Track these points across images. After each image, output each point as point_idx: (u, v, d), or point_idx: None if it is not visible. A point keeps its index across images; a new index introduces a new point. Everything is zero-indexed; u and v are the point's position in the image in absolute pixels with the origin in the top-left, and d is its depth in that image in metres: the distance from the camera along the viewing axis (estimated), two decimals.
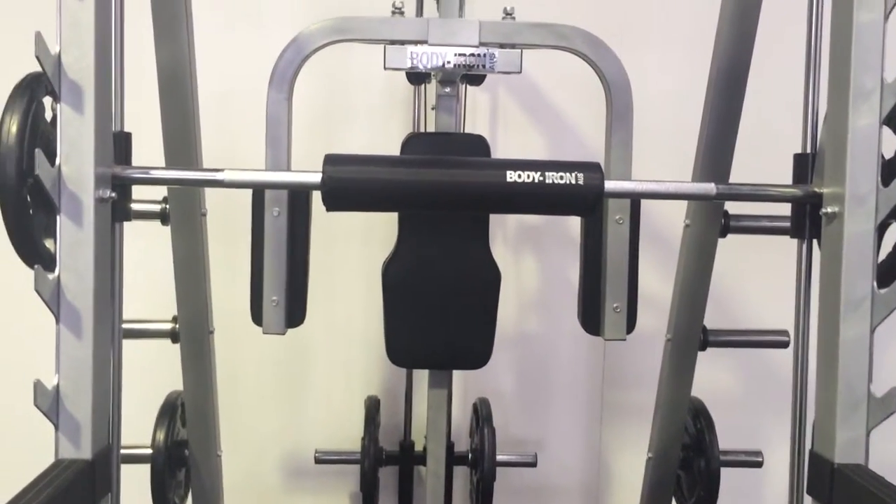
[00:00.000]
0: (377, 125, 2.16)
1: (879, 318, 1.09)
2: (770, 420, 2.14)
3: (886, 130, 1.11)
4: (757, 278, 2.16)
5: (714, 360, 1.90)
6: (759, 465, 1.77)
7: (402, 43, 1.35)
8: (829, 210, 1.13)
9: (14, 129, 1.01)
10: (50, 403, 1.02)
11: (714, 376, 2.11)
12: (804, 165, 1.24)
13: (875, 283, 1.09)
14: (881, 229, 1.11)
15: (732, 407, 2.16)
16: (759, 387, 2.21)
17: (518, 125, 2.19)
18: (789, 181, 1.27)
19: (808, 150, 1.24)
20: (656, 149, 2.04)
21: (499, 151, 2.16)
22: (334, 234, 2.14)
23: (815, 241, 1.22)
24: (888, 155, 1.15)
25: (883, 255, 1.15)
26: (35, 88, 1.05)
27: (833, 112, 1.14)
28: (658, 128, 2.09)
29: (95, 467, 1.03)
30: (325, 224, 2.01)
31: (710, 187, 1.23)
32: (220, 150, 1.82)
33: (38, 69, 1.03)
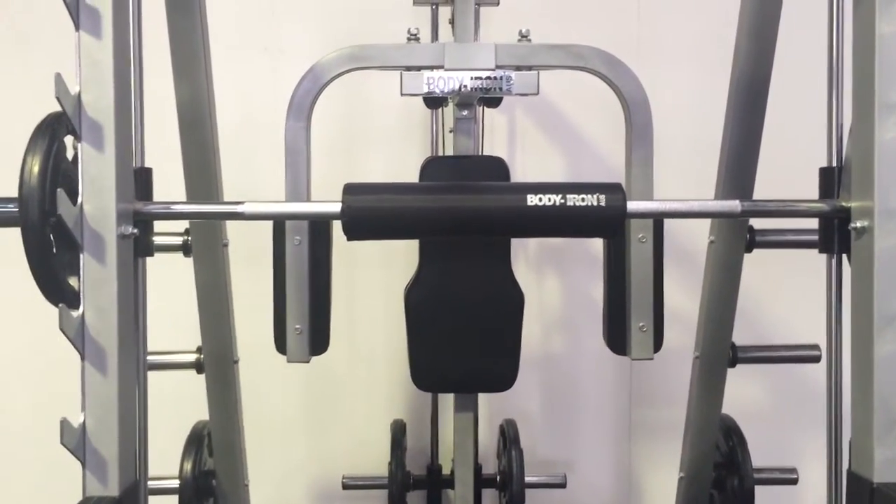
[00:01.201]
0: (396, 149, 2.16)
1: None
2: (804, 436, 2.10)
3: None
4: (785, 292, 2.13)
5: (744, 377, 1.87)
6: (794, 482, 1.74)
7: (419, 69, 1.36)
8: (859, 224, 1.11)
9: (36, 169, 1.02)
10: (77, 441, 1.02)
11: (744, 393, 2.08)
12: (830, 179, 1.21)
13: None
14: None
15: (765, 424, 2.12)
16: (792, 402, 2.18)
17: (537, 146, 2.19)
18: (814, 195, 1.25)
19: (834, 164, 1.22)
20: (678, 165, 2.03)
21: (518, 173, 2.16)
22: (356, 260, 2.14)
23: (844, 256, 1.20)
24: None
25: None
26: (56, 128, 1.05)
27: (858, 125, 1.12)
28: (679, 144, 2.08)
29: None
30: (346, 250, 2.02)
31: (734, 204, 1.21)
32: (242, 179, 1.84)
33: (59, 109, 1.04)
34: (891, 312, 1.06)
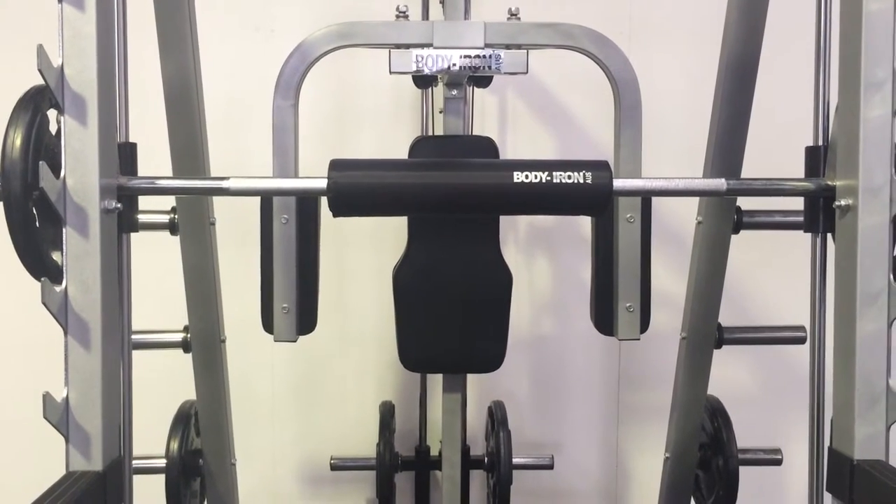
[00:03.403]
0: (386, 129, 2.15)
1: None
2: (790, 417, 2.12)
3: None
4: (773, 274, 2.13)
5: (731, 358, 1.88)
6: (778, 462, 1.75)
7: (408, 46, 1.35)
8: (843, 203, 1.11)
9: (18, 142, 1.01)
10: (60, 416, 1.02)
11: (731, 374, 2.09)
12: (816, 158, 1.22)
13: (891, 276, 1.07)
14: None
15: (750, 405, 2.13)
16: (778, 383, 2.19)
17: (527, 126, 2.18)
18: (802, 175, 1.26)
19: (820, 143, 1.22)
20: (669, 146, 2.03)
21: (508, 153, 2.15)
22: (345, 239, 2.14)
23: (829, 235, 1.20)
24: None
25: None
26: (39, 101, 1.05)
27: (844, 103, 1.12)
28: (670, 124, 2.08)
29: (107, 479, 1.03)
30: (335, 229, 2.02)
31: (720, 183, 1.21)
32: (232, 158, 1.83)
33: (42, 82, 1.03)
34: (873, 290, 1.07)
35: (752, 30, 1.42)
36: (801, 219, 1.25)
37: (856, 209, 1.08)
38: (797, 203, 1.27)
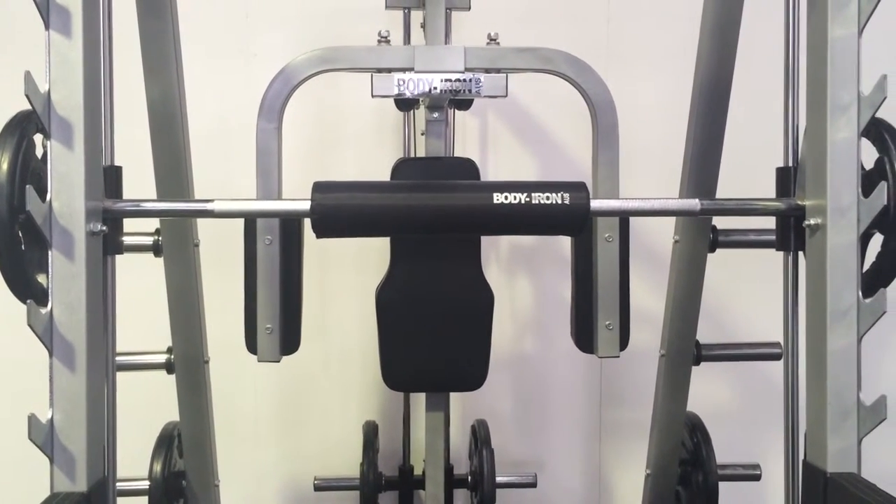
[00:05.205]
0: (368, 151, 2.17)
1: (866, 326, 1.10)
2: (769, 432, 2.14)
3: (865, 142, 1.13)
4: (750, 291, 2.17)
5: (710, 374, 1.90)
6: (757, 478, 1.77)
7: (389, 71, 1.37)
8: (812, 222, 1.14)
9: (5, 166, 1.03)
10: (45, 437, 1.03)
11: (710, 390, 2.11)
12: (787, 179, 1.25)
13: (860, 293, 1.10)
14: (864, 239, 1.13)
15: (729, 421, 2.16)
16: (756, 399, 2.21)
17: (508, 148, 2.21)
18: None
19: (790, 164, 1.25)
20: (646, 166, 2.07)
21: (490, 174, 2.18)
22: (328, 260, 2.15)
23: (801, 253, 1.23)
24: (868, 166, 1.17)
25: (867, 265, 1.16)
26: (25, 126, 1.06)
27: (812, 126, 1.15)
28: (648, 146, 2.12)
29: (91, 500, 1.04)
30: (318, 250, 2.04)
31: (694, 203, 1.24)
32: (216, 181, 1.84)
33: (28, 107, 1.05)
34: (843, 306, 1.10)
35: (725, 55, 1.45)
36: (774, 237, 1.28)
37: (825, 228, 1.11)
38: (771, 222, 1.30)
